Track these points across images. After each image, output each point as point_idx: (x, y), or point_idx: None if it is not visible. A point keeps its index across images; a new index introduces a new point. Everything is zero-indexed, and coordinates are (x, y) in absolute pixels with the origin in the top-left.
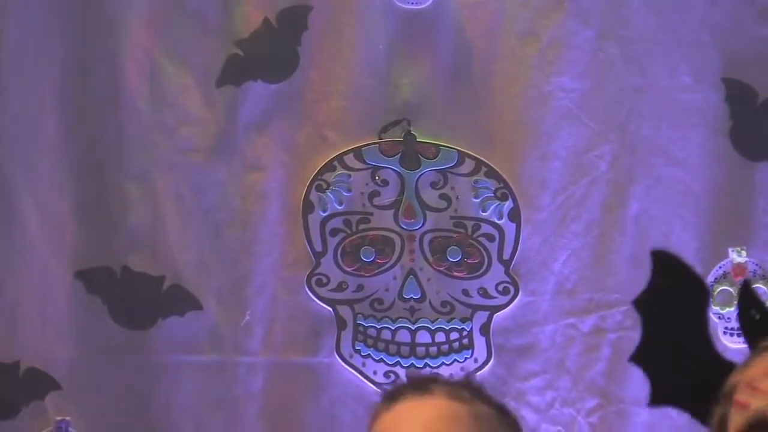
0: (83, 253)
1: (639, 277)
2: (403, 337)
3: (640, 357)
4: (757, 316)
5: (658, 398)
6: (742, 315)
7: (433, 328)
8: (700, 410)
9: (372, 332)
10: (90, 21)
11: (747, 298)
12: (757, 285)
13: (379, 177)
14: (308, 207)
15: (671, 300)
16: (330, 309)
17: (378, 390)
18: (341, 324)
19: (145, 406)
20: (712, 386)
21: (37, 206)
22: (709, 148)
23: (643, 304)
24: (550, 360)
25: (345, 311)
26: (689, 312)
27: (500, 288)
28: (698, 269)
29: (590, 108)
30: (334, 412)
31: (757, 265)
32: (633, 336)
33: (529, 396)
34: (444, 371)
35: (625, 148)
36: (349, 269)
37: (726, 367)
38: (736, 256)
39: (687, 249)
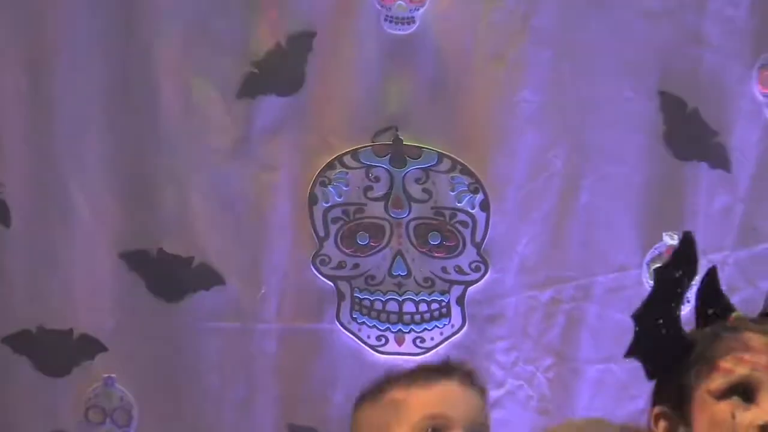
0: (125, 238)
1: (588, 257)
2: (392, 307)
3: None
4: (677, 274)
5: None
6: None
7: (417, 300)
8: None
9: (366, 303)
10: (129, 45)
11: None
12: None
13: (372, 174)
14: (313, 199)
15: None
16: (331, 284)
17: (372, 352)
18: (341, 296)
19: (177, 365)
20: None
21: (87, 200)
22: (646, 150)
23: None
24: (514, 326)
25: (344, 286)
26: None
27: (473, 266)
28: (637, 251)
29: (548, 116)
30: (335, 369)
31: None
32: (583, 306)
33: (496, 356)
34: (426, 335)
35: (577, 149)
36: (347, 251)
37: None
38: (669, 239)
39: (628, 234)
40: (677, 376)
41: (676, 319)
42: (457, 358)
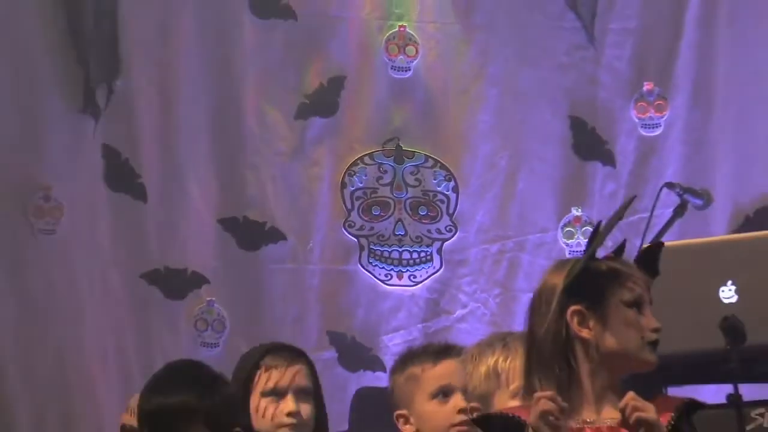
0: (222, 209)
1: (523, 223)
2: (395, 255)
3: None
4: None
5: None
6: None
7: (411, 250)
8: None
9: (378, 252)
10: (227, 83)
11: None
12: (585, 228)
13: (382, 168)
14: (343, 185)
15: None
16: (355, 240)
17: (381, 284)
18: (361, 248)
19: (255, 292)
20: None
21: (197, 184)
22: (560, 154)
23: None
24: (474, 268)
25: (363, 241)
26: None
27: (447, 229)
28: (555, 219)
29: (497, 132)
30: (358, 295)
31: (586, 216)
32: (520, 255)
33: (462, 287)
34: (417, 273)
35: (515, 153)
36: (365, 218)
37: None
38: (575, 211)
39: (549, 208)
40: (600, 286)
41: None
42: (453, 342)
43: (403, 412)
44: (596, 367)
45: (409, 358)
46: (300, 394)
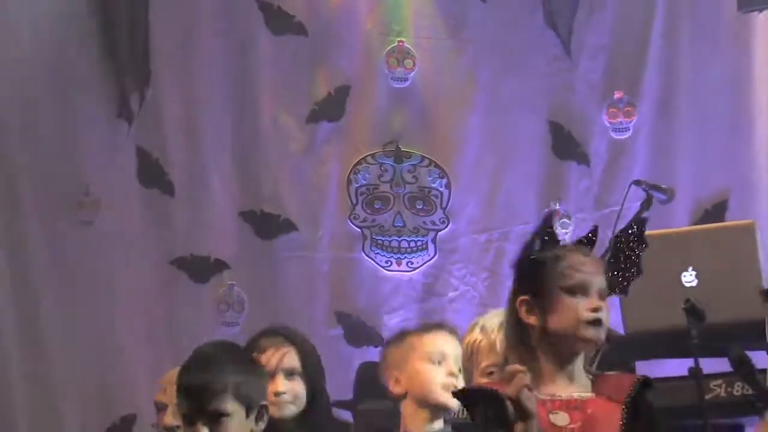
0: (241, 203)
1: (508, 216)
2: (394, 244)
3: None
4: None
5: None
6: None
7: (408, 240)
8: None
9: (379, 241)
10: (246, 92)
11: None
12: (563, 220)
13: (383, 167)
14: (349, 182)
15: None
16: (359, 230)
17: (382, 270)
18: (364, 237)
19: (272, 276)
20: None
21: (220, 181)
22: (541, 154)
23: None
24: (464, 255)
25: (366, 231)
26: None
27: (441, 221)
28: (536, 212)
29: (485, 134)
30: (361, 280)
31: (564, 209)
32: (505, 244)
33: (454, 272)
34: (414, 260)
35: (501, 154)
36: (368, 212)
37: None
38: (553, 205)
39: (531, 202)
40: (539, 278)
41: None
42: (446, 320)
43: (395, 372)
44: (547, 347)
45: (405, 332)
46: (288, 374)
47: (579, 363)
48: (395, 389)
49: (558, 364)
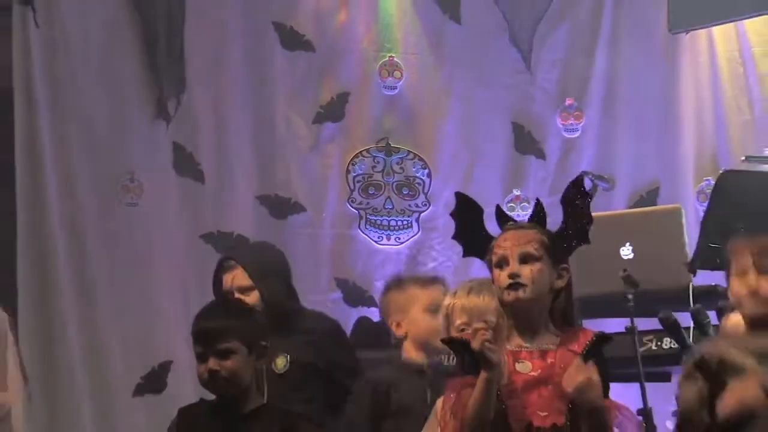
0: (258, 189)
1: (478, 200)
2: (385, 222)
3: None
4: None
5: None
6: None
7: (396, 219)
8: None
9: (372, 220)
10: (264, 99)
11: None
12: (523, 204)
13: (376, 160)
14: (348, 172)
15: None
16: (356, 211)
17: (375, 244)
18: (360, 218)
19: (284, 248)
20: None
21: (240, 170)
22: (505, 150)
23: None
24: (442, 232)
25: (362, 212)
26: None
27: (423, 204)
28: (501, 197)
29: (460, 134)
30: (357, 252)
31: (524, 195)
32: None
33: (434, 246)
34: (401, 236)
35: (473, 150)
36: (363, 196)
37: None
38: (516, 192)
39: (497, 189)
40: (484, 255)
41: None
42: (441, 274)
43: (398, 317)
44: (503, 310)
45: (405, 281)
46: (241, 291)
47: (538, 320)
48: (397, 331)
49: (515, 322)
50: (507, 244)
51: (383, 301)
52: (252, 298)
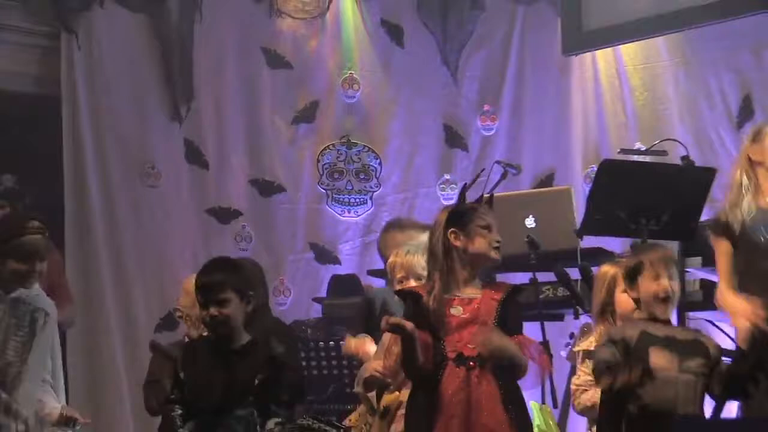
0: (250, 173)
1: (417, 182)
2: (346, 200)
3: None
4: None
5: None
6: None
7: (355, 197)
8: None
9: (337, 198)
10: (254, 105)
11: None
12: (452, 185)
13: (339, 152)
14: (318, 161)
15: None
16: (324, 191)
17: (338, 216)
18: (328, 196)
19: (270, 220)
20: None
21: (236, 160)
22: (438, 144)
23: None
24: (390, 207)
25: (329, 192)
26: None
27: (375, 185)
28: (435, 181)
29: (404, 132)
30: (326, 223)
31: (453, 179)
32: (416, 200)
33: (383, 218)
34: (358, 210)
35: (413, 144)
36: (329, 180)
37: None
38: (446, 176)
39: (432, 174)
40: (465, 219)
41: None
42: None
43: (395, 250)
44: (464, 263)
45: (405, 224)
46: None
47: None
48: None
49: (469, 272)
50: (489, 216)
51: (384, 237)
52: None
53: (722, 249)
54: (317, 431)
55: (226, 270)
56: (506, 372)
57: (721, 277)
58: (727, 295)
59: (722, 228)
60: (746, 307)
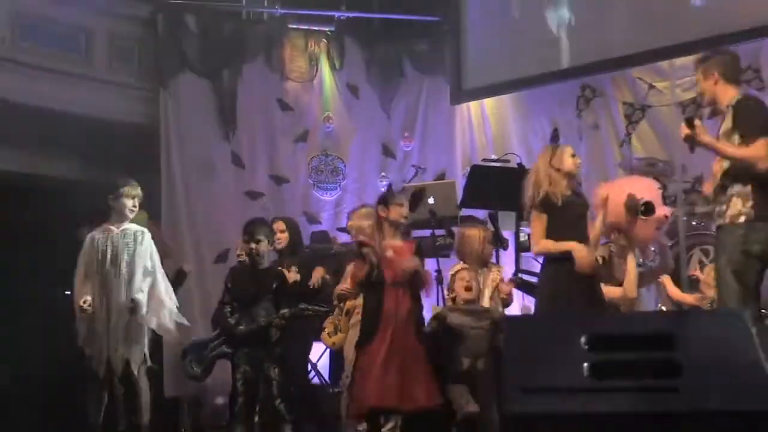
0: (270, 170)
1: (365, 181)
2: (325, 187)
3: None
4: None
5: None
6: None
7: (330, 186)
8: None
9: (320, 186)
10: (271, 133)
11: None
12: (386, 182)
13: (321, 160)
14: (309, 164)
15: None
16: (312, 182)
17: (321, 197)
18: (314, 185)
19: (282, 201)
20: None
21: (263, 165)
22: (378, 156)
23: None
24: (351, 194)
25: (315, 183)
26: None
27: (342, 179)
28: (376, 179)
29: (360, 150)
30: (313, 201)
31: (387, 177)
32: (366, 190)
33: (346, 198)
34: (331, 195)
35: (365, 157)
36: (315, 176)
37: None
38: (382, 174)
39: (374, 175)
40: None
41: None
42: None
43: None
44: (389, 225)
45: (397, 197)
46: (281, 232)
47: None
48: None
49: (393, 231)
50: (402, 198)
51: (352, 214)
52: (283, 237)
53: (543, 218)
54: (312, 311)
55: (260, 223)
56: (415, 287)
57: (540, 235)
58: (548, 244)
59: (544, 205)
60: (572, 243)
